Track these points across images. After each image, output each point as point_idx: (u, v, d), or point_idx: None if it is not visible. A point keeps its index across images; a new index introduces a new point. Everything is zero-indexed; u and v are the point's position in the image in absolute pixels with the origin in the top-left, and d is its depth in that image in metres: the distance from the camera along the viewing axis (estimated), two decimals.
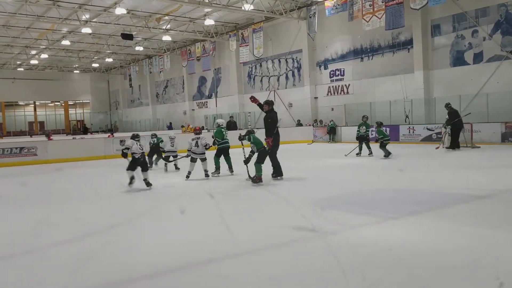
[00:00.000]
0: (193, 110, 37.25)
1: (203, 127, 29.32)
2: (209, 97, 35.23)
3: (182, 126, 33.22)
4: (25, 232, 5.80)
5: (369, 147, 14.01)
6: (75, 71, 47.68)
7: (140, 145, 9.04)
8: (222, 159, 10.67)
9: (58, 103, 50.46)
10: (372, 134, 15.99)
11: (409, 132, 19.20)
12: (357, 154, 14.02)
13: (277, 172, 9.36)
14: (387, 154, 13.16)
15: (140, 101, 45.54)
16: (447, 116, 15.25)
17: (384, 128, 14.01)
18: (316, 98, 25.80)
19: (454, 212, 6.08)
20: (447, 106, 15.39)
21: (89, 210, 7.31)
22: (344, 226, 5.35)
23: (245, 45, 27.72)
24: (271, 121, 9.20)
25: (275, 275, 3.80)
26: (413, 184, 8.55)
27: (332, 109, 24.52)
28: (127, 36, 27.51)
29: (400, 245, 4.49)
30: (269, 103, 9.53)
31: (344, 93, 24.12)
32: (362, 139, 14.05)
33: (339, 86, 24.38)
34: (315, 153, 15.09)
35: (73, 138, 24.64)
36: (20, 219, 6.71)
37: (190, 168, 10.09)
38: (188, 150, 10.19)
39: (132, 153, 8.89)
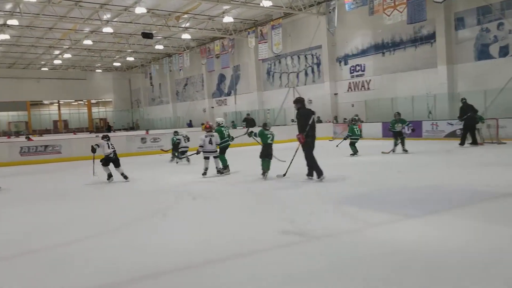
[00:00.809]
0: (212, 107, 37.38)
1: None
2: (228, 94, 35.28)
3: (202, 124, 33.27)
4: (42, 230, 5.87)
5: (403, 144, 13.63)
6: (97, 70, 48.43)
7: (110, 144, 10.09)
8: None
9: (82, 102, 51.32)
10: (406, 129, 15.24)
11: (432, 128, 18.80)
12: (392, 151, 13.55)
13: (317, 172, 8.76)
14: (355, 153, 13.41)
15: (161, 99, 45.94)
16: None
17: (356, 127, 13.88)
18: (336, 94, 25.54)
19: (478, 210, 5.91)
20: (461, 100, 15.11)
21: (101, 208, 7.36)
22: (364, 224, 5.25)
23: (264, 42, 27.62)
24: (300, 118, 8.87)
25: (290, 273, 3.73)
26: (435, 181, 8.35)
27: (353, 105, 24.22)
28: (147, 35, 27.76)
29: (421, 244, 4.36)
30: (297, 101, 9.14)
31: (364, 88, 23.81)
32: (398, 135, 13.69)
33: (359, 81, 24.07)
34: (335, 150, 14.92)
35: (96, 136, 24.98)
36: (37, 216, 6.79)
37: (206, 165, 10.12)
38: (200, 146, 10.16)
39: (105, 153, 9.99)
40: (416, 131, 19.14)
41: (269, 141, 9.43)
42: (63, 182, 11.16)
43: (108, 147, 10.01)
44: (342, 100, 25.21)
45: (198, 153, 10.22)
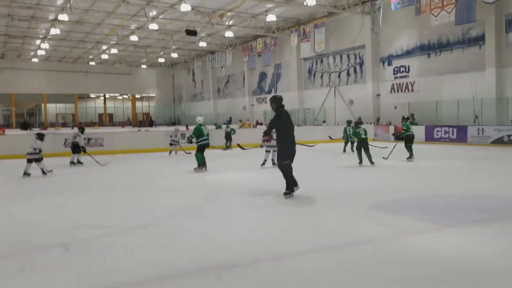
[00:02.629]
0: (252, 105, 37.52)
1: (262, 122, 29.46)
2: (269, 92, 35.30)
3: (240, 121, 33.37)
4: (79, 219, 6.06)
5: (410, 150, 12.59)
6: (142, 66, 49.62)
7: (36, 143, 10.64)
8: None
9: (126, 96, 52.76)
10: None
11: (478, 134, 18.07)
12: (407, 158, 12.62)
13: (291, 184, 7.19)
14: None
15: (202, 96, 46.56)
16: None
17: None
18: (378, 95, 25.06)
19: None
20: None
21: (143, 200, 7.51)
22: (398, 232, 5.12)
23: (306, 41, 27.42)
24: (283, 119, 7.13)
25: (322, 281, 3.70)
26: (480, 190, 8.03)
27: (395, 107, 23.68)
28: (191, 32, 28.18)
29: (461, 257, 4.20)
30: (279, 100, 7.18)
31: (408, 90, 23.22)
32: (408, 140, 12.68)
33: (403, 83, 23.50)
34: (377, 152, 14.58)
35: (138, 130, 25.67)
36: (75, 206, 7.00)
37: (266, 157, 11.44)
38: (263, 142, 11.33)
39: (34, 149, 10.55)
40: (461, 136, 18.50)
41: (362, 136, 11.34)
42: (110, 174, 11.47)
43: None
44: (385, 101, 24.70)
45: (261, 146, 11.65)
